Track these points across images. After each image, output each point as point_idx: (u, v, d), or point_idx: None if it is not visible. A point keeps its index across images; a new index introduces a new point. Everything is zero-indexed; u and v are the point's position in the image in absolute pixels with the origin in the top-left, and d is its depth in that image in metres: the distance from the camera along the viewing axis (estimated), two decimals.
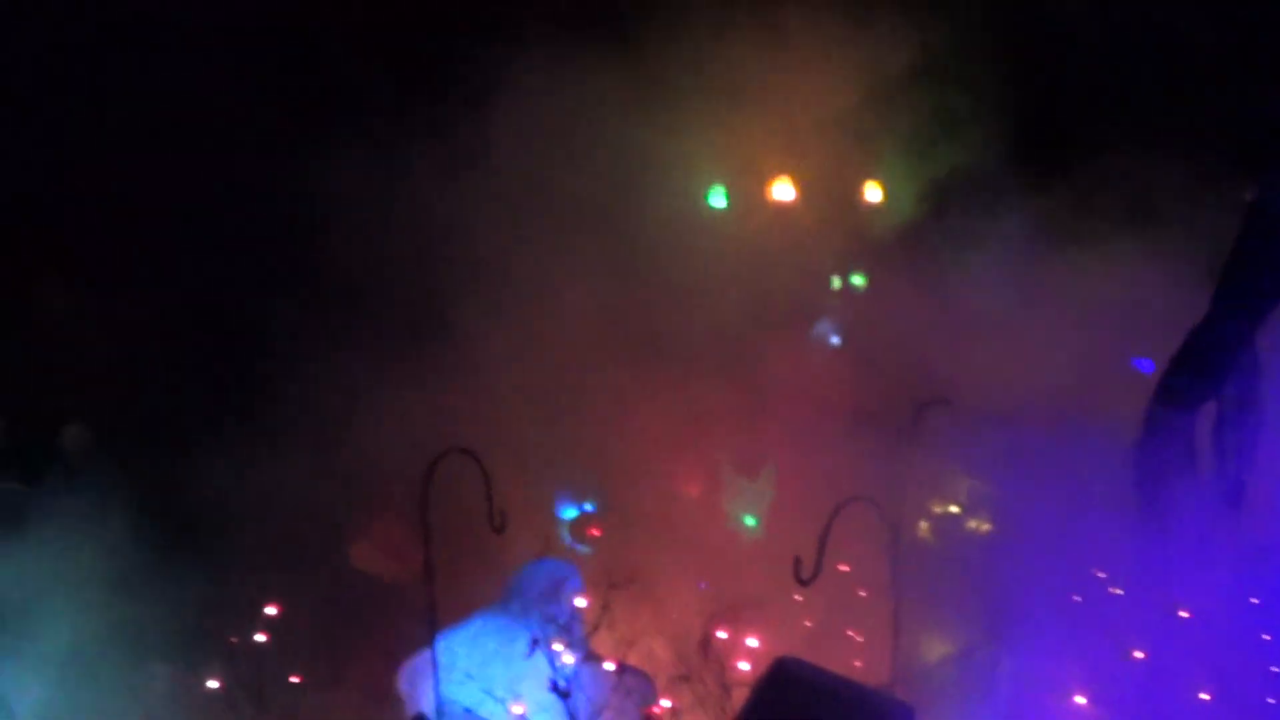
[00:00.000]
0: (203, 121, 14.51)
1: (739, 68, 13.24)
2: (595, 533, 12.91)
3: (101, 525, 11.53)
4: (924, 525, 11.18)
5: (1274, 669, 9.11)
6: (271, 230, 14.12)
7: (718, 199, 15.04)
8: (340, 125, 13.86)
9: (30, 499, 12.28)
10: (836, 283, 14.98)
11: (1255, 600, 9.26)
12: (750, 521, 13.70)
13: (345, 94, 14.61)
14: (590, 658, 7.36)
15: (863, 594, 10.16)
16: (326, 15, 14.97)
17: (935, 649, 9.71)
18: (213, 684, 8.79)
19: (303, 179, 13.22)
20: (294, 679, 8.02)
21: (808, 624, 10.09)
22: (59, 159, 14.80)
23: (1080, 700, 9.06)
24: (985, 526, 10.78)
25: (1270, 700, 8.96)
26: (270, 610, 7.93)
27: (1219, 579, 9.09)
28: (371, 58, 14.66)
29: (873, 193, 14.78)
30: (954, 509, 11.23)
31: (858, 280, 14.87)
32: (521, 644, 7.33)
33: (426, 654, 7.61)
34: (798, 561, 6.50)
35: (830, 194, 14.59)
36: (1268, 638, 9.19)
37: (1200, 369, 9.46)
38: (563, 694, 6.94)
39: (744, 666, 7.00)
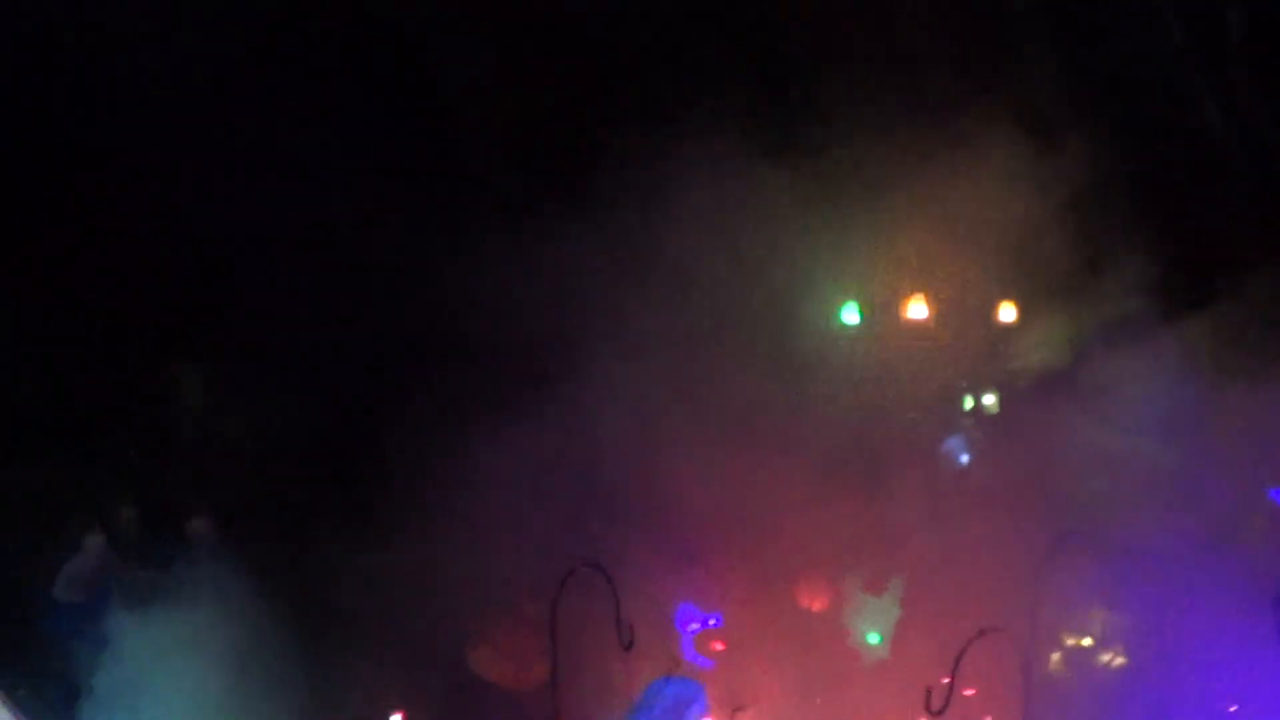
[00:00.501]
0: (341, 209, 14.72)
1: (888, 179, 13.24)
2: (719, 647, 12.82)
3: (227, 616, 11.72)
4: (1056, 657, 10.97)
5: None
6: (410, 328, 14.27)
7: (850, 315, 15.01)
8: (479, 215, 14.03)
9: (160, 586, 12.44)
10: (969, 403, 14.85)
11: None
12: (874, 639, 13.52)
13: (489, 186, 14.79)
14: None
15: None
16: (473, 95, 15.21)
17: None
18: None
19: (444, 269, 13.38)
20: None
21: None
22: (204, 245, 15.06)
23: None
24: (1120, 660, 10.55)
25: None
26: (396, 717, 7.94)
27: None
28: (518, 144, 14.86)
29: (1007, 313, 14.67)
30: (1088, 641, 11.01)
31: (990, 401, 14.74)
32: None
33: None
34: (929, 692, 6.40)
35: (964, 313, 14.50)
36: None
37: None
38: None
39: None
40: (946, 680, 6.46)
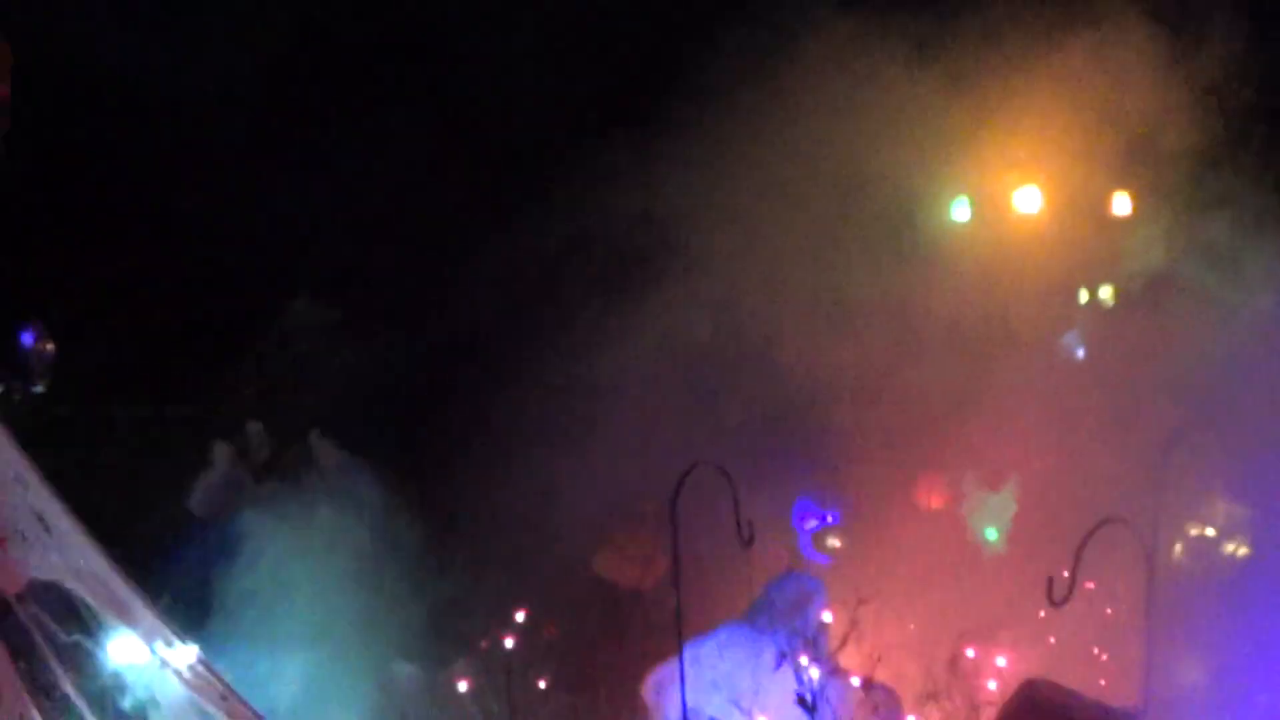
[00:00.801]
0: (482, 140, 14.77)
1: (1003, 71, 13.03)
2: (837, 543, 12.88)
3: (356, 525, 12.00)
4: (1179, 548, 10.91)
5: None
6: (525, 246, 14.32)
7: (961, 210, 14.86)
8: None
9: (290, 498, 12.71)
10: (1084, 296, 14.66)
11: None
12: (992, 535, 13.51)
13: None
14: (836, 672, 7.36)
15: (1109, 612, 9.98)
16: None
17: (1188, 674, 9.48)
18: (462, 685, 9.02)
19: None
20: (541, 683, 8.15)
21: (1051, 640, 9.94)
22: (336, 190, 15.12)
23: None
24: (1243, 550, 10.47)
25: None
26: (519, 615, 8.07)
27: None
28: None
29: (1122, 204, 14.44)
30: (1211, 532, 10.93)
31: (1105, 294, 14.54)
32: (768, 657, 7.36)
33: (673, 664, 7.67)
34: (1050, 582, 6.41)
35: (1078, 205, 14.29)
36: None
37: None
38: (808, 708, 6.95)
39: (992, 686, 6.93)
40: (1067, 572, 6.44)
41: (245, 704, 6.29)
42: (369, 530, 12.19)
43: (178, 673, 6.10)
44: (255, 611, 11.64)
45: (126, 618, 6.06)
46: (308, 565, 11.71)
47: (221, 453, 13.56)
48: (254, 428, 14.08)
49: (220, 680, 6.22)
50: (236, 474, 13.56)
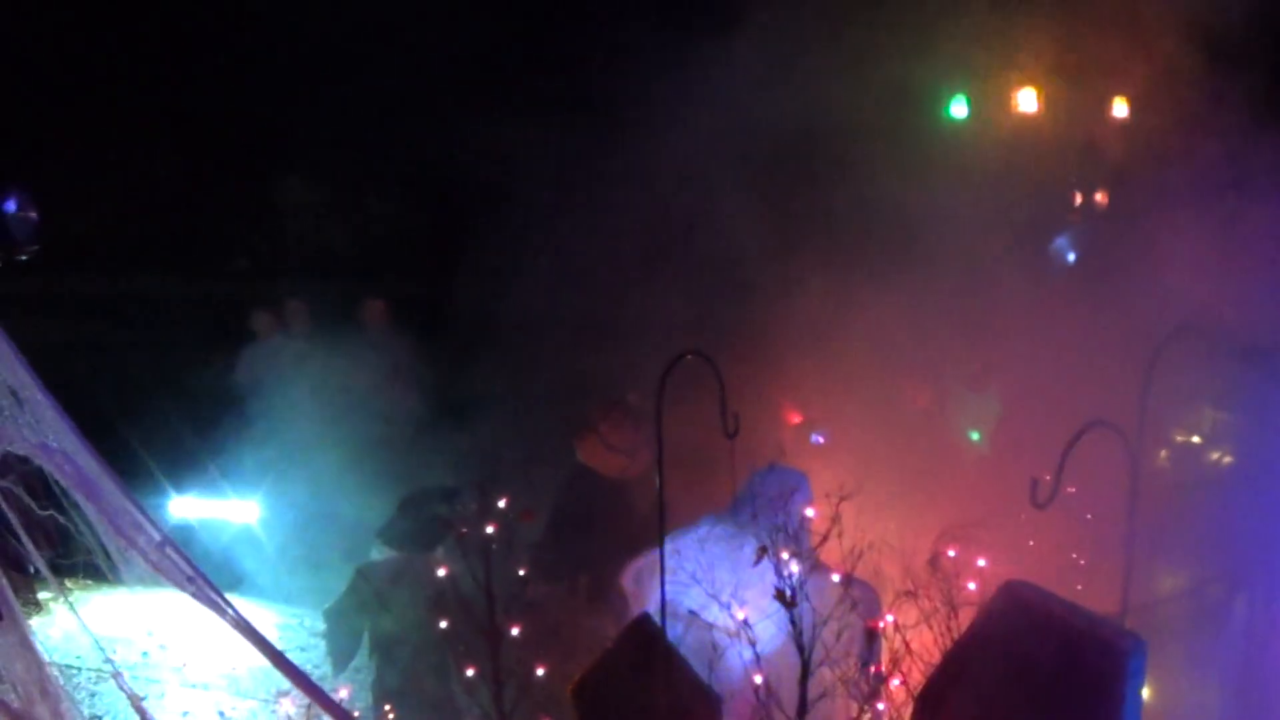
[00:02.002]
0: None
1: None
2: (822, 440, 12.88)
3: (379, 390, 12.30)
4: (1163, 454, 10.92)
5: None
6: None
7: (959, 108, 14.77)
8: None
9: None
10: (1079, 199, 14.64)
11: None
12: (975, 436, 13.55)
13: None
14: (817, 568, 7.34)
15: (1090, 518, 10.00)
16: None
17: (1168, 580, 9.53)
18: (441, 571, 9.04)
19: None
20: (520, 571, 8.15)
21: (1031, 544, 9.97)
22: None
23: None
24: (1228, 459, 10.48)
25: None
26: (500, 503, 8.05)
27: None
28: None
29: (1120, 109, 14.36)
30: (1196, 439, 10.94)
31: (1100, 198, 14.51)
32: (749, 550, 7.33)
33: (654, 555, 7.66)
34: (1034, 484, 6.38)
35: (1076, 108, 14.20)
36: None
37: None
38: (787, 603, 6.94)
39: (971, 587, 6.92)
40: (1049, 477, 6.41)
41: (212, 586, 6.27)
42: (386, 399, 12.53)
43: (144, 554, 6.07)
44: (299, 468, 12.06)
45: (94, 497, 6.03)
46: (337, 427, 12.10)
47: (262, 320, 13.88)
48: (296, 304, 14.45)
49: (188, 562, 6.19)
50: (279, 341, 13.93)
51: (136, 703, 7.55)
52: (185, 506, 12.95)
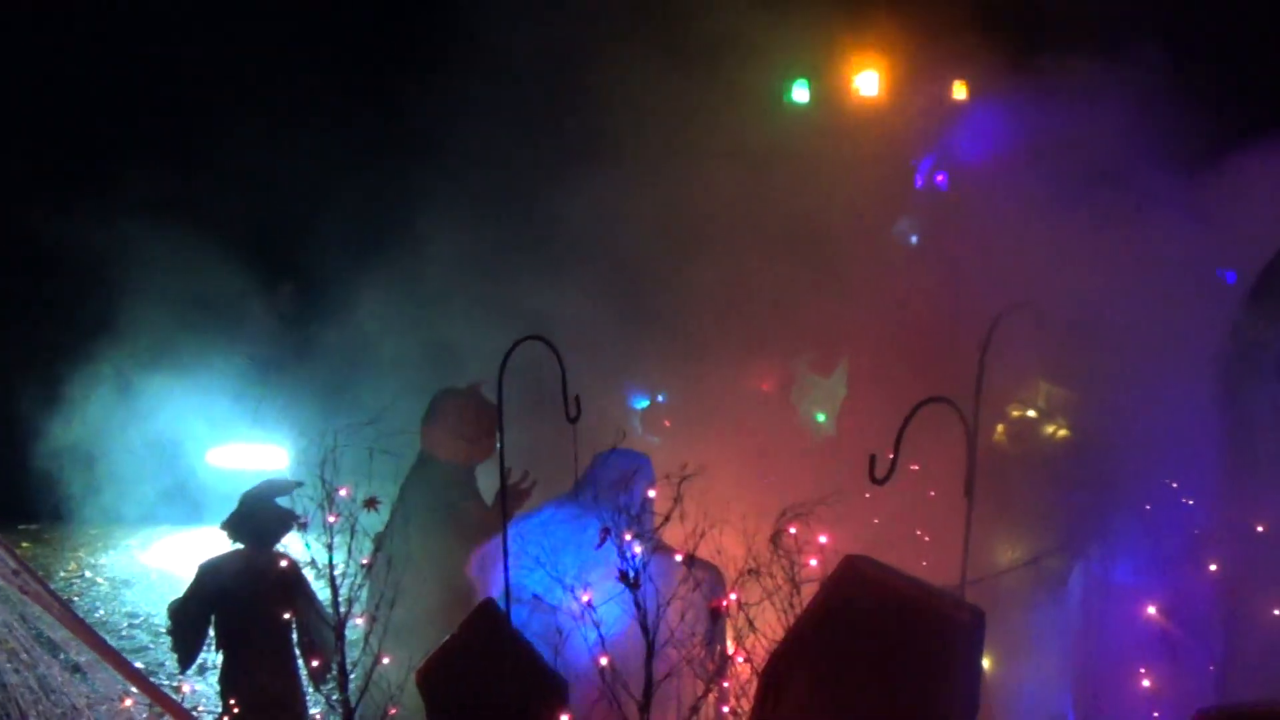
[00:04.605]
0: None
1: None
2: (667, 424, 12.92)
3: None
4: (1001, 429, 11.08)
5: None
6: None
7: (800, 93, 14.86)
8: None
9: None
10: (919, 181, 14.80)
11: None
12: (821, 418, 13.68)
13: None
14: (660, 549, 7.35)
15: (932, 494, 10.13)
16: None
17: (1008, 554, 9.67)
18: (283, 562, 8.95)
19: None
20: (364, 562, 8.06)
21: (875, 521, 10.08)
22: None
23: (1152, 611, 9.02)
24: (1063, 433, 10.67)
25: None
26: (342, 492, 7.95)
27: None
28: None
29: (959, 91, 14.55)
30: (1032, 414, 11.12)
31: (940, 180, 14.68)
32: (592, 533, 7.32)
33: (497, 540, 7.62)
34: (873, 459, 6.42)
35: (917, 91, 14.37)
36: None
37: None
38: (631, 584, 6.94)
39: (813, 563, 6.96)
40: (891, 454, 6.45)
41: (40, 580, 6.12)
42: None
43: None
44: None
45: None
46: None
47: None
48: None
49: (12, 555, 6.03)
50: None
51: None
52: None
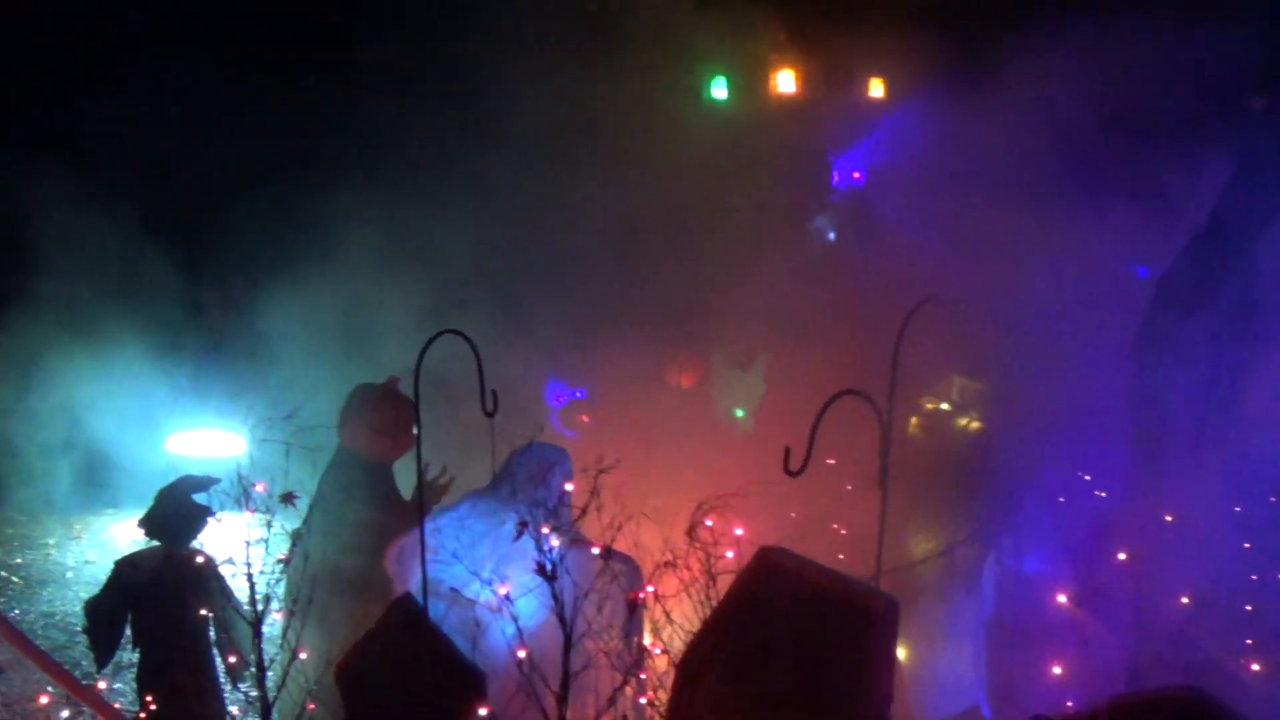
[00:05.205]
0: None
1: None
2: (585, 419, 12.94)
3: None
4: (915, 422, 11.20)
5: (1253, 577, 9.18)
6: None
7: (719, 90, 14.92)
8: None
9: None
10: (836, 177, 14.93)
11: (1238, 509, 9.32)
12: (739, 413, 13.74)
13: None
14: (577, 542, 7.38)
15: (849, 488, 10.23)
16: None
17: (922, 545, 9.78)
18: (200, 560, 8.90)
19: None
20: (281, 558, 8.03)
21: (793, 515, 10.16)
22: None
23: (1062, 600, 9.15)
24: (975, 425, 10.81)
25: (1248, 607, 9.04)
26: (258, 487, 7.92)
27: (1206, 486, 9.14)
28: None
29: (876, 89, 14.67)
30: (945, 407, 11.24)
31: (856, 176, 14.81)
32: (509, 527, 7.33)
33: (415, 535, 7.62)
34: (787, 452, 6.47)
35: (834, 89, 14.47)
36: (1248, 546, 9.25)
37: (1200, 272, 9.44)
38: (548, 577, 6.96)
39: (729, 555, 7.01)
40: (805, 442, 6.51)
41: None
42: None
43: None
44: None
45: None
46: None
47: None
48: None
49: None
50: None
51: None
52: None
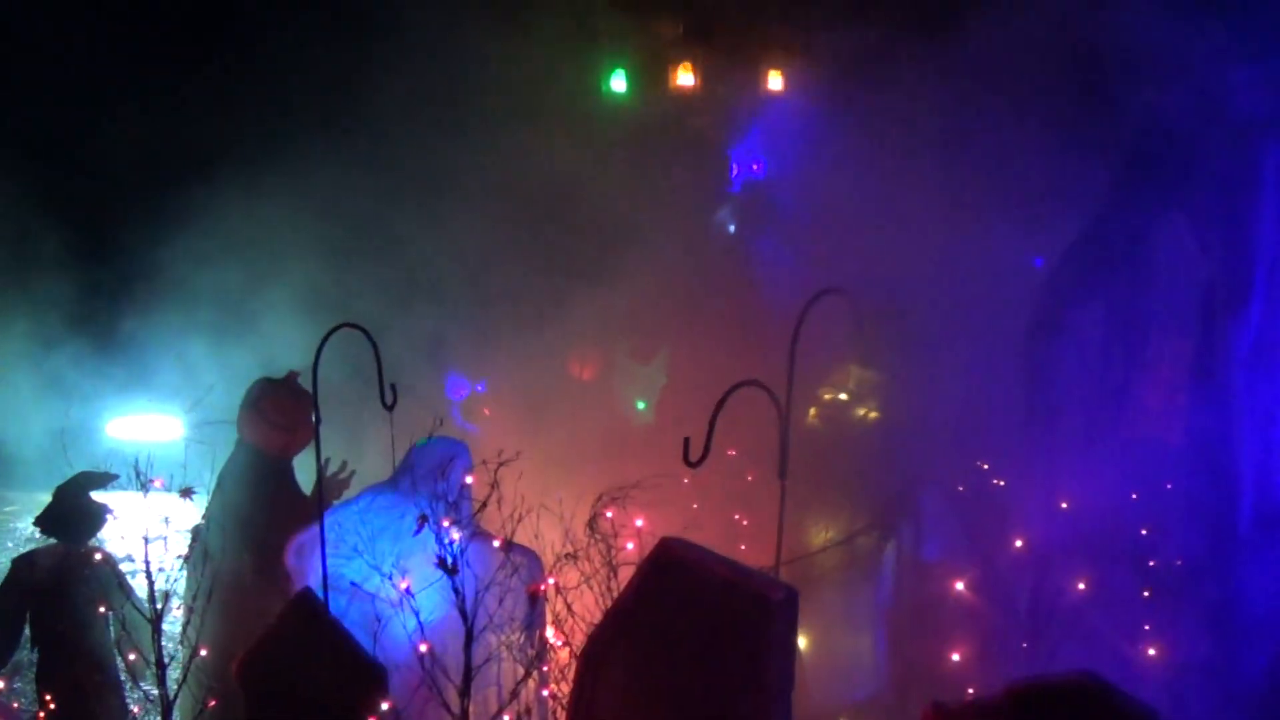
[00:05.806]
0: None
1: None
2: (486, 412, 12.91)
3: None
4: (813, 412, 11.28)
5: (1150, 562, 9.33)
6: None
7: (618, 83, 14.92)
8: None
9: None
10: (735, 168, 14.98)
11: (1134, 495, 9.46)
12: (640, 405, 13.77)
13: None
14: (478, 535, 7.38)
15: (750, 479, 10.29)
16: None
17: (822, 534, 9.86)
18: (98, 557, 8.80)
19: None
20: (181, 554, 7.98)
21: (694, 506, 10.20)
22: None
23: (961, 587, 9.26)
24: (873, 415, 10.91)
25: (1145, 593, 9.19)
26: (156, 484, 7.85)
27: (1101, 473, 9.28)
28: None
29: (774, 81, 14.72)
30: (843, 397, 11.33)
31: (756, 169, 14.87)
32: (410, 520, 7.33)
33: (315, 529, 7.58)
34: (686, 443, 6.50)
35: (732, 81, 14.52)
36: (1145, 532, 9.40)
37: (1093, 261, 9.58)
38: (449, 570, 6.96)
39: (630, 546, 7.04)
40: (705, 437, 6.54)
41: None
42: None
43: None
44: None
45: None
46: None
47: None
48: None
49: None
50: None
51: None
52: None
